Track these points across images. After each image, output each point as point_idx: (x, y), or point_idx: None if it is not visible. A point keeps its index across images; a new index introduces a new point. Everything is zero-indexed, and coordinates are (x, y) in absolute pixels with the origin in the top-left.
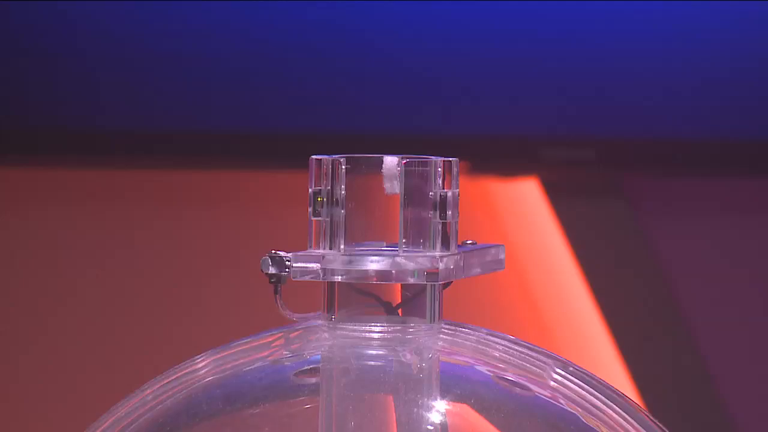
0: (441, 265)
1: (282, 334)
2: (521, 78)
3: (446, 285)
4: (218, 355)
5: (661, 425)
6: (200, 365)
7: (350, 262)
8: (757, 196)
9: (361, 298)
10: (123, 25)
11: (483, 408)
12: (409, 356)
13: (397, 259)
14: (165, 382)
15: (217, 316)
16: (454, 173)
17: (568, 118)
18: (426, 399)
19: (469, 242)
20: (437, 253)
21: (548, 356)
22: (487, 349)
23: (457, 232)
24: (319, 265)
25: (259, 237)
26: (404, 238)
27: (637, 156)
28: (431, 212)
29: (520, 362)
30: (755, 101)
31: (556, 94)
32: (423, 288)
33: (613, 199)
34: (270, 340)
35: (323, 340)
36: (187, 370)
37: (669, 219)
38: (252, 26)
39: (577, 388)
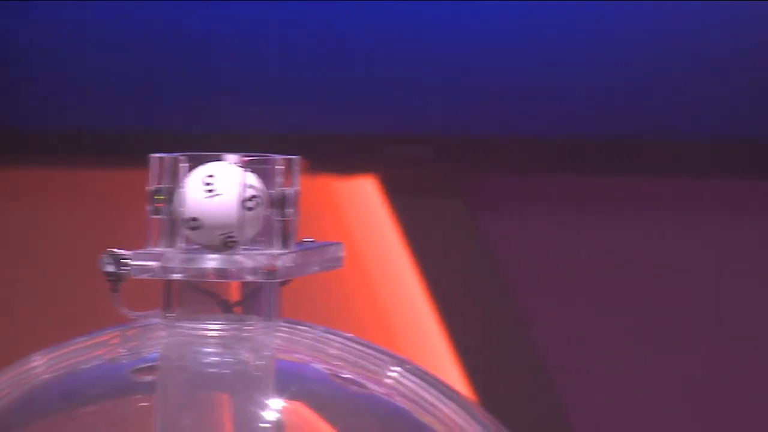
0: (279, 263)
1: (119, 332)
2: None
3: (285, 283)
4: (54, 354)
5: (493, 418)
6: (35, 364)
7: (189, 260)
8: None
9: (200, 296)
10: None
11: (318, 406)
12: (245, 354)
13: (236, 256)
14: None
15: (51, 316)
16: (295, 171)
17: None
18: (261, 397)
19: (308, 240)
20: (276, 251)
21: (385, 354)
22: (324, 346)
23: (296, 229)
24: (158, 263)
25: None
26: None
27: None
28: (271, 210)
29: (357, 360)
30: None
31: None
32: (261, 285)
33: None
34: (107, 338)
35: (161, 338)
36: (21, 369)
37: (508, 218)
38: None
39: (412, 385)
